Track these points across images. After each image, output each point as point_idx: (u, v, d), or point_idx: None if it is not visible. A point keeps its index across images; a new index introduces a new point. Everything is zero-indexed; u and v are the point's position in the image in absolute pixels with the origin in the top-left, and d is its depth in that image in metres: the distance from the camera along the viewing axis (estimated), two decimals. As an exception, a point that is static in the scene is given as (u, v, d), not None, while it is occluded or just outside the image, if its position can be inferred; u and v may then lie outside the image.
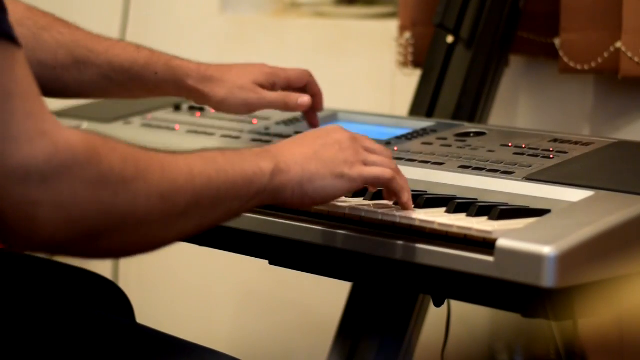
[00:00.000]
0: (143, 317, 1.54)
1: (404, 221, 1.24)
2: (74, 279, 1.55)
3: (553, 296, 1.11)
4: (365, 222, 1.28)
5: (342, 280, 1.47)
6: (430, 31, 2.01)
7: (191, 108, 1.88)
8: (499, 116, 2.12)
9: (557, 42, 1.94)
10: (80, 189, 0.96)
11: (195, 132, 1.75)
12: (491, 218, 1.21)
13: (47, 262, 1.58)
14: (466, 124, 1.65)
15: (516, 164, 1.41)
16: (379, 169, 1.24)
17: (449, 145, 1.54)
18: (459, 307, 1.72)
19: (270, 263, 1.41)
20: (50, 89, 1.50)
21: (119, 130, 1.83)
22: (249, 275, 2.70)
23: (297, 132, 1.66)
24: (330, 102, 1.74)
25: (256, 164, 1.15)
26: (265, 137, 1.67)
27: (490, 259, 1.14)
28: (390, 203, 1.30)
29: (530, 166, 1.40)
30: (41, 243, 0.97)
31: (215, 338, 2.70)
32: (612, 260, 1.17)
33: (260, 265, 1.48)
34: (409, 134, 1.63)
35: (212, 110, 1.63)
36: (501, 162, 1.43)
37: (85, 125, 1.86)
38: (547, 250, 1.10)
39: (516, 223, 1.19)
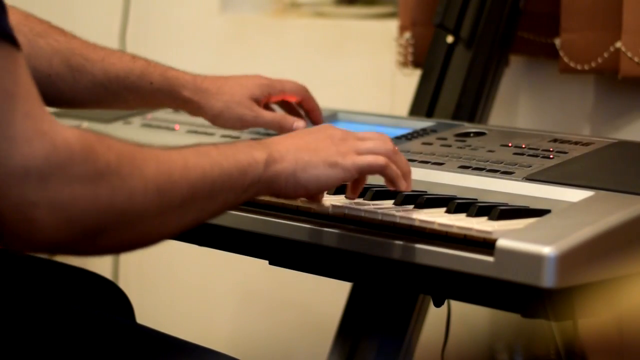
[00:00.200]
0: (143, 317, 1.54)
1: (404, 221, 1.23)
2: (74, 279, 1.55)
3: (553, 296, 1.11)
4: (365, 222, 1.28)
5: (342, 281, 1.47)
6: (430, 31, 2.01)
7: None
8: (499, 116, 2.12)
9: (557, 42, 1.94)
10: (78, 187, 0.96)
11: (195, 132, 1.75)
12: (491, 218, 1.21)
13: (47, 262, 1.58)
14: (466, 124, 1.66)
15: (516, 164, 1.41)
16: (371, 157, 1.23)
17: (449, 145, 1.54)
18: (459, 307, 1.72)
19: (270, 263, 1.41)
20: (44, 97, 1.50)
21: (119, 130, 1.83)
22: (249, 276, 2.70)
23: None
24: (330, 102, 1.74)
25: (250, 154, 1.15)
26: (264, 138, 1.67)
27: (490, 259, 1.14)
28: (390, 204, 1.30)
29: (530, 166, 1.40)
30: (41, 244, 0.97)
31: (215, 338, 2.70)
32: (612, 260, 1.17)
33: (260, 265, 1.48)
34: (409, 134, 1.63)
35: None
36: (501, 162, 1.43)
37: (85, 125, 1.86)
38: (547, 250, 1.10)
39: (516, 223, 1.19)
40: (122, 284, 1.66)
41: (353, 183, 1.28)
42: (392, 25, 2.25)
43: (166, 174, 1.05)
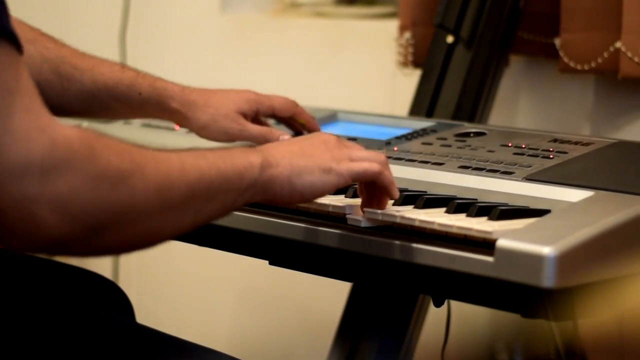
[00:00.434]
0: (143, 317, 1.54)
1: (404, 221, 1.23)
2: (74, 279, 1.55)
3: (553, 296, 1.11)
4: (365, 222, 1.28)
5: (342, 281, 1.47)
6: (430, 31, 2.01)
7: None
8: (499, 116, 2.12)
9: (557, 42, 1.94)
10: (78, 184, 0.96)
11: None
12: (491, 218, 1.21)
13: (47, 262, 1.58)
14: (466, 124, 1.66)
15: (516, 164, 1.41)
16: (366, 163, 1.24)
17: (449, 145, 1.54)
18: (459, 307, 1.72)
19: (270, 263, 1.41)
20: None
21: (119, 130, 1.83)
22: (249, 276, 2.70)
23: (297, 133, 1.67)
24: (330, 102, 1.74)
25: (246, 158, 1.16)
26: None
27: (490, 259, 1.14)
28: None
29: (530, 166, 1.40)
30: (41, 241, 0.97)
31: (215, 338, 2.70)
32: (612, 260, 1.17)
33: (260, 265, 1.48)
34: (409, 134, 1.63)
35: None
36: (501, 162, 1.43)
37: (85, 125, 1.86)
38: (547, 250, 1.10)
39: (516, 223, 1.19)
40: (122, 284, 1.66)
41: (374, 195, 1.28)
42: (392, 25, 2.25)
43: (165, 174, 1.05)
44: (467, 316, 2.10)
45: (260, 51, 2.66)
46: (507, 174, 1.39)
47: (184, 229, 1.10)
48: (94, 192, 0.97)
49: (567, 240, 1.12)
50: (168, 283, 2.89)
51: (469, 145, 1.52)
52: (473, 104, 1.93)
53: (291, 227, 1.34)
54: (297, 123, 1.65)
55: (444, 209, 1.26)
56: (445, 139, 1.57)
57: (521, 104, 2.18)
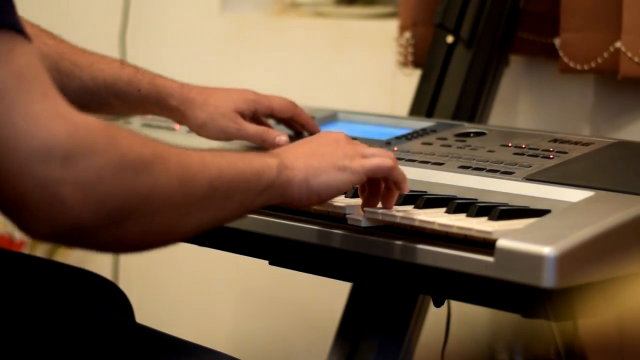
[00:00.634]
0: (143, 317, 1.54)
1: (404, 221, 1.23)
2: (74, 279, 1.55)
3: (553, 296, 1.11)
4: (365, 222, 1.28)
5: (342, 281, 1.47)
6: (430, 31, 2.01)
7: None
8: (499, 116, 2.12)
9: (557, 42, 1.94)
10: (102, 169, 0.96)
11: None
12: (491, 218, 1.21)
13: (47, 262, 1.58)
14: (466, 124, 1.66)
15: (516, 164, 1.41)
16: (379, 159, 1.24)
17: (449, 145, 1.54)
18: (459, 307, 1.72)
19: (270, 263, 1.41)
20: None
21: (119, 130, 1.83)
22: (249, 276, 2.70)
23: (297, 133, 1.67)
24: (330, 102, 1.74)
25: (263, 159, 1.16)
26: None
27: (490, 259, 1.14)
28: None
29: (530, 166, 1.40)
30: (66, 225, 0.95)
31: (215, 338, 2.70)
32: (612, 260, 1.17)
33: (260, 265, 1.48)
34: (409, 134, 1.63)
35: None
36: (501, 162, 1.43)
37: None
38: (547, 250, 1.10)
39: (516, 223, 1.19)
40: (122, 284, 1.66)
41: (378, 194, 1.27)
42: (392, 25, 2.25)
43: (186, 165, 1.05)
44: (467, 316, 2.10)
45: (260, 51, 2.66)
46: (507, 174, 1.39)
47: (204, 227, 1.10)
48: (117, 178, 0.97)
49: (567, 240, 1.11)
50: (168, 283, 2.89)
51: (469, 145, 1.52)
52: (473, 104, 1.93)
53: (291, 227, 1.34)
54: (296, 124, 1.65)
55: (444, 209, 1.26)
56: (445, 139, 1.57)
57: (521, 104, 2.18)
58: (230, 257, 1.59)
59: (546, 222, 1.19)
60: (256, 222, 1.37)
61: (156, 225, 1.03)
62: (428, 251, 1.20)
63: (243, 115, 1.58)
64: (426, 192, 1.37)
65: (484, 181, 1.38)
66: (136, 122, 1.87)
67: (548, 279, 1.09)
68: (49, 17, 1.56)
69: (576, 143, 1.48)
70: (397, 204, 1.29)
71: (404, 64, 2.16)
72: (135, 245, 1.05)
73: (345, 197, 1.34)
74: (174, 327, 1.47)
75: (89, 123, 0.96)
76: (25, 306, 1.31)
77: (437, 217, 1.22)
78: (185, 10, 2.83)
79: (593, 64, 1.88)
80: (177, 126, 1.79)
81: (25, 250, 2.79)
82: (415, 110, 1.99)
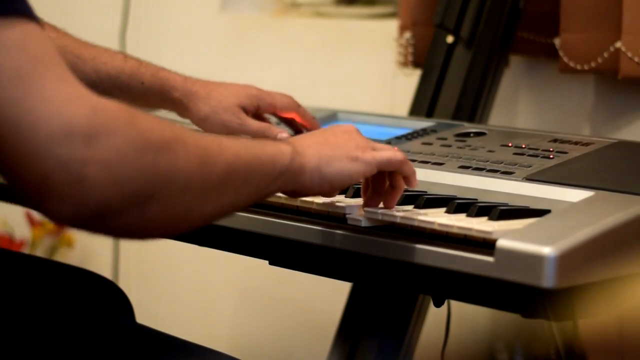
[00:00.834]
0: (143, 317, 1.54)
1: (404, 221, 1.23)
2: (74, 279, 1.55)
3: (553, 296, 1.11)
4: (365, 222, 1.28)
5: (342, 281, 1.47)
6: (430, 31, 2.01)
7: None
8: (499, 116, 2.12)
9: (557, 42, 1.94)
10: (124, 148, 0.95)
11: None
12: (491, 218, 1.21)
13: (47, 262, 1.59)
14: (466, 124, 1.66)
15: (516, 164, 1.41)
16: (390, 152, 1.24)
17: (449, 145, 1.54)
18: (459, 307, 1.72)
19: (270, 263, 1.41)
20: None
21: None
22: (249, 276, 2.70)
23: (298, 132, 1.67)
24: (330, 102, 1.74)
25: (276, 146, 1.16)
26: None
27: (490, 259, 1.14)
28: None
29: (530, 166, 1.40)
30: (91, 206, 0.95)
31: (215, 338, 2.70)
32: (612, 261, 1.17)
33: (260, 265, 1.48)
34: (409, 134, 1.63)
35: None
36: (501, 162, 1.43)
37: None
38: (547, 250, 1.10)
39: (516, 223, 1.19)
40: (122, 284, 1.66)
41: (381, 193, 1.27)
42: (392, 25, 2.25)
43: (205, 147, 1.05)
44: (467, 316, 2.10)
45: (260, 51, 2.66)
46: (507, 174, 1.39)
47: (223, 211, 1.10)
48: (139, 158, 0.97)
49: (567, 241, 1.11)
50: (168, 283, 2.89)
51: (469, 145, 1.52)
52: (473, 104, 1.93)
53: (291, 227, 1.34)
54: (297, 123, 1.65)
55: (444, 209, 1.26)
56: (445, 139, 1.57)
57: (521, 104, 2.18)
58: (230, 257, 1.59)
59: (546, 222, 1.19)
60: (256, 222, 1.37)
61: (177, 208, 1.02)
62: (428, 251, 1.20)
63: (246, 110, 1.58)
64: (426, 192, 1.37)
65: (484, 181, 1.38)
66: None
67: (548, 279, 1.09)
68: (49, 16, 1.56)
69: (576, 143, 1.48)
70: (397, 204, 1.29)
71: (404, 64, 2.16)
72: (157, 229, 1.04)
73: (346, 197, 1.34)
74: (174, 327, 1.47)
75: (108, 104, 0.97)
76: (25, 306, 1.31)
77: (437, 217, 1.22)
78: (185, 10, 2.83)
79: (593, 64, 1.88)
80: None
81: (25, 250, 2.79)
82: (415, 110, 1.99)
